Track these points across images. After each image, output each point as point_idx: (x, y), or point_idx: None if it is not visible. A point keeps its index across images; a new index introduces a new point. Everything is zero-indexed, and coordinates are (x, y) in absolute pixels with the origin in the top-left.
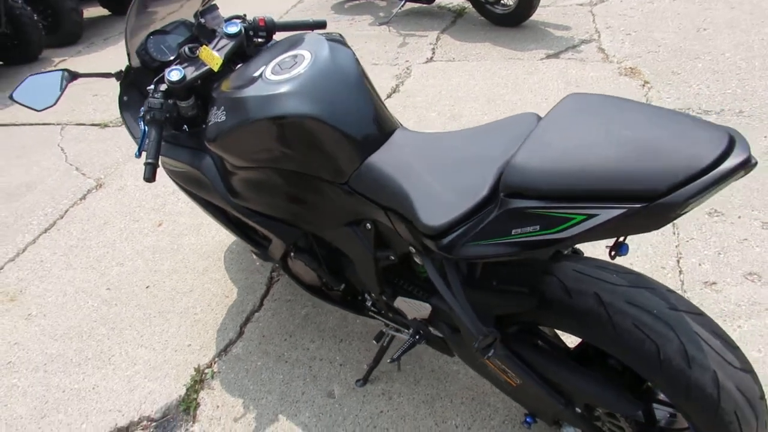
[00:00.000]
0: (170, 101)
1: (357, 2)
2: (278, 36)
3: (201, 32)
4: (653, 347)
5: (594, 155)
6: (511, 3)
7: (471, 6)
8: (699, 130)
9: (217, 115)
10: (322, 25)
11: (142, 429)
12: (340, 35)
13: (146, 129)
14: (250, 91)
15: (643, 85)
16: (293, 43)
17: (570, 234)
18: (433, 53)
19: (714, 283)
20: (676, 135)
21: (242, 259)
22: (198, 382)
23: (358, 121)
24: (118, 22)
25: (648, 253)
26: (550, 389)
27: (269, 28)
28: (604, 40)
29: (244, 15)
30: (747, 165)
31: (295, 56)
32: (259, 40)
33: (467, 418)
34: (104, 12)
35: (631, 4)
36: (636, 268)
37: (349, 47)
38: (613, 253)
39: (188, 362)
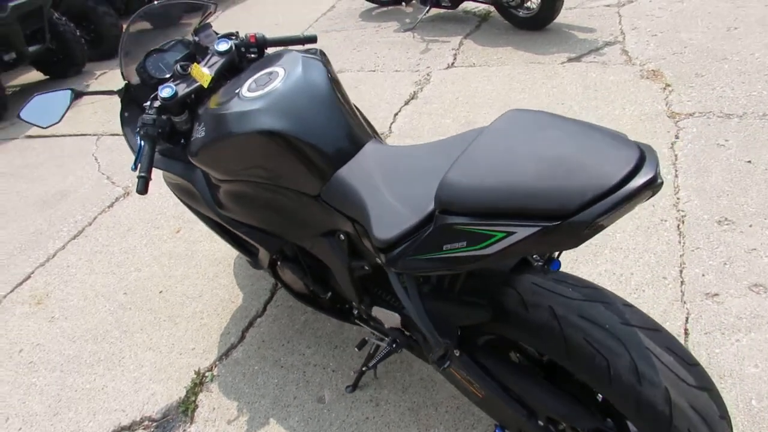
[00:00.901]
0: (163, 117)
1: (384, 9)
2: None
3: (197, 50)
4: (603, 362)
5: (515, 173)
6: (534, 6)
7: (495, 10)
8: (614, 147)
9: (198, 131)
10: (312, 39)
11: (144, 429)
12: (320, 51)
13: (141, 143)
14: (226, 108)
15: (664, 88)
16: (271, 60)
17: (492, 251)
18: (455, 59)
19: (716, 295)
20: (594, 152)
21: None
22: (198, 384)
23: (326, 135)
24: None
25: (650, 263)
26: (512, 401)
27: (260, 44)
28: (629, 42)
29: (237, 32)
30: (652, 185)
31: (270, 73)
32: (252, 55)
33: (450, 427)
34: (145, 26)
35: (660, 3)
36: (636, 278)
37: (323, 63)
38: (545, 267)
39: (191, 365)
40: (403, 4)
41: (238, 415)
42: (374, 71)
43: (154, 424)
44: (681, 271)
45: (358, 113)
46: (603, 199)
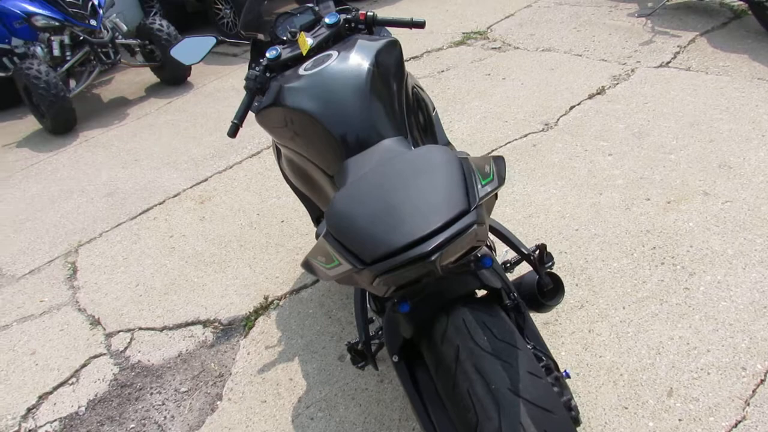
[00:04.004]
0: (267, 74)
1: None
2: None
3: (318, 19)
4: (474, 419)
5: (365, 211)
6: None
7: (749, 8)
8: (439, 207)
9: (266, 94)
10: (420, 25)
11: (213, 328)
12: (394, 42)
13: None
14: (284, 80)
15: None
16: (340, 42)
17: (331, 274)
18: (674, 58)
19: None
20: (422, 208)
21: None
22: (263, 308)
23: (347, 124)
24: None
25: (738, 346)
26: (428, 423)
27: (369, 21)
28: None
29: (352, 8)
30: (422, 260)
31: (329, 55)
32: (363, 30)
33: None
34: None
35: None
36: (709, 357)
37: (376, 54)
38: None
39: (268, 290)
40: None
41: (275, 344)
42: (580, 56)
43: (221, 327)
44: None
45: (398, 107)
46: (384, 260)
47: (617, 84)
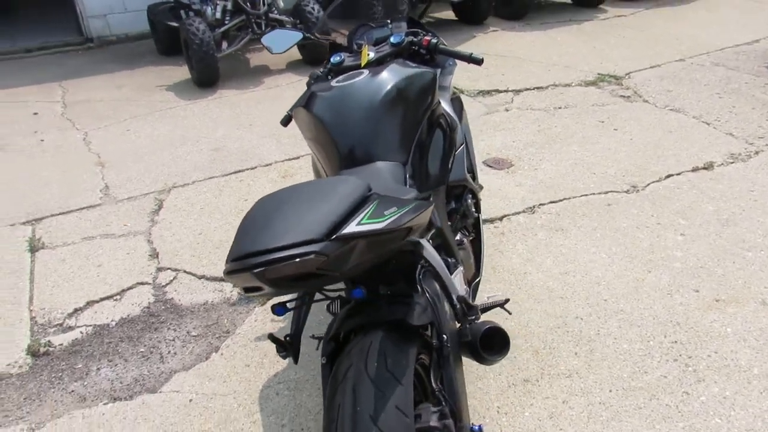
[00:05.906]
0: (329, 76)
1: None
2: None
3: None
4: None
5: (257, 216)
6: None
7: None
8: (295, 228)
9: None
10: (477, 62)
11: (240, 289)
12: (426, 71)
13: None
14: (316, 86)
15: None
16: (380, 64)
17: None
18: None
19: None
20: (285, 225)
21: None
22: None
23: (349, 138)
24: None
25: None
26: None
27: (430, 48)
28: None
29: (420, 32)
30: (247, 270)
31: (360, 72)
32: (426, 55)
33: None
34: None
35: None
36: None
37: (404, 81)
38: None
39: None
40: None
41: (281, 319)
42: (707, 124)
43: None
44: None
45: (407, 134)
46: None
47: (731, 163)
